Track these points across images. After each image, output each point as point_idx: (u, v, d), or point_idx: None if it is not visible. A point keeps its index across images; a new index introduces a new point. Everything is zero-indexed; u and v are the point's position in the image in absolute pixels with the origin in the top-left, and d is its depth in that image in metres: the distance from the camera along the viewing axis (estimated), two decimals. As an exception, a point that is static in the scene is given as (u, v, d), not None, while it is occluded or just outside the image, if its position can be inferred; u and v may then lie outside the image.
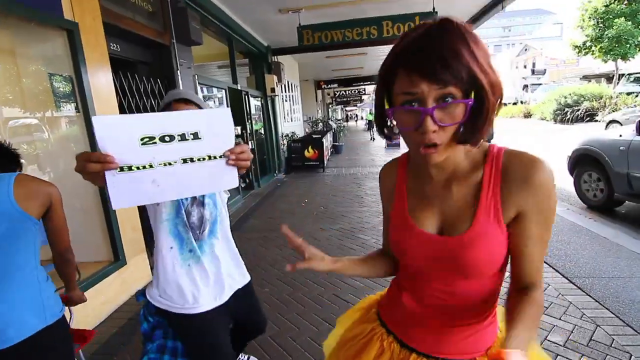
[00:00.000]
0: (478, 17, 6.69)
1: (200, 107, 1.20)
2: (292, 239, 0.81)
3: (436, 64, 0.56)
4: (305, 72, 12.87)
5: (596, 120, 15.29)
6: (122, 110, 3.19)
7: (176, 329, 1.32)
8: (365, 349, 0.86)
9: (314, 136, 9.65)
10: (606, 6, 18.65)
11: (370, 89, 20.82)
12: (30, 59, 2.64)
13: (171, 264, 1.23)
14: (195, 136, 0.78)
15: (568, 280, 2.72)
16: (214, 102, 6.03)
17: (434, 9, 5.46)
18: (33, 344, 1.11)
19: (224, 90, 5.77)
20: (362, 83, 17.29)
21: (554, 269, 2.91)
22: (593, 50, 19.71)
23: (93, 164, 0.71)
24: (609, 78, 21.94)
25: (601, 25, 18.92)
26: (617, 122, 11.55)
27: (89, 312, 2.47)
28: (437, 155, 0.64)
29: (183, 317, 1.25)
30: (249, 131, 6.60)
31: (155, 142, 0.76)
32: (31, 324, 1.12)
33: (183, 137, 0.77)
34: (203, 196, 1.27)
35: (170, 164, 0.78)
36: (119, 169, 0.74)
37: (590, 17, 19.31)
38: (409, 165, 0.82)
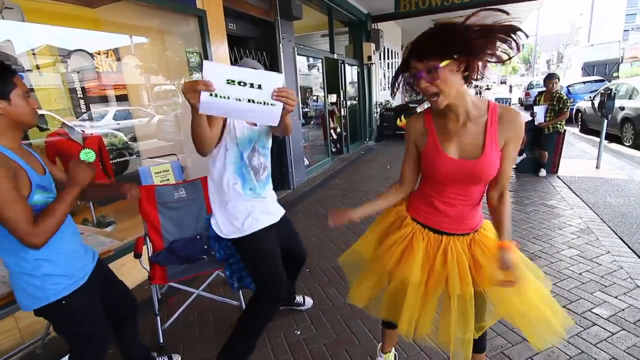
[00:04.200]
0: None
1: None
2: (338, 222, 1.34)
3: (418, 53, 0.99)
4: (409, 37, 12.37)
5: None
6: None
7: (241, 249, 1.63)
8: (412, 243, 1.22)
9: (411, 105, 9.54)
10: None
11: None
12: (173, 37, 3.52)
13: (235, 198, 1.52)
14: (259, 87, 1.15)
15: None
16: (317, 69, 6.57)
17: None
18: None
19: (320, 60, 6.24)
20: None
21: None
22: None
23: (201, 85, 1.10)
24: None
25: None
26: None
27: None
28: (439, 103, 1.03)
29: (250, 235, 1.57)
30: (342, 99, 7.02)
31: (234, 84, 1.13)
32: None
33: (252, 86, 1.14)
34: (263, 147, 1.58)
35: (239, 100, 1.15)
36: (209, 94, 1.13)
37: None
38: (434, 114, 1.16)
